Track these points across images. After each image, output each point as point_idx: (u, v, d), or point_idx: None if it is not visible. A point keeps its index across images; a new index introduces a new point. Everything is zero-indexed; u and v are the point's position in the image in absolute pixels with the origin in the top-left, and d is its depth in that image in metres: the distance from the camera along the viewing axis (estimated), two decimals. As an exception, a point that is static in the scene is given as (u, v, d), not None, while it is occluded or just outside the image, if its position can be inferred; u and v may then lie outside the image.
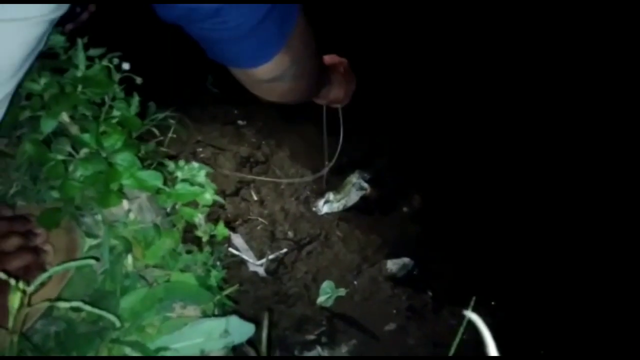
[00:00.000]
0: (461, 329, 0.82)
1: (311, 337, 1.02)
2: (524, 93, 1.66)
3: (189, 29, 0.59)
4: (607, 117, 1.58)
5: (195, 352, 0.68)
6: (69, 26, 0.91)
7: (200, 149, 1.28)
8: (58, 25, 0.80)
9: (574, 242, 1.31)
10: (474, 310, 1.16)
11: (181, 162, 0.75)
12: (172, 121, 0.97)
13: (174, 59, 1.34)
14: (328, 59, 0.98)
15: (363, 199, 1.36)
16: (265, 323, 0.79)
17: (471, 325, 1.10)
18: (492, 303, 1.18)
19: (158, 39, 1.26)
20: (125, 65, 0.74)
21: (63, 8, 0.55)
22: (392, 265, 1.21)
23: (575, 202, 1.40)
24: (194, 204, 0.78)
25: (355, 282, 1.17)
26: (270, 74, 0.66)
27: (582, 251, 1.28)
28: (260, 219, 1.23)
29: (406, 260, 1.22)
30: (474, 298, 0.90)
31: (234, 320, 0.71)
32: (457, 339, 0.80)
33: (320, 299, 1.08)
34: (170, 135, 1.01)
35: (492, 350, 0.29)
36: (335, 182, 1.39)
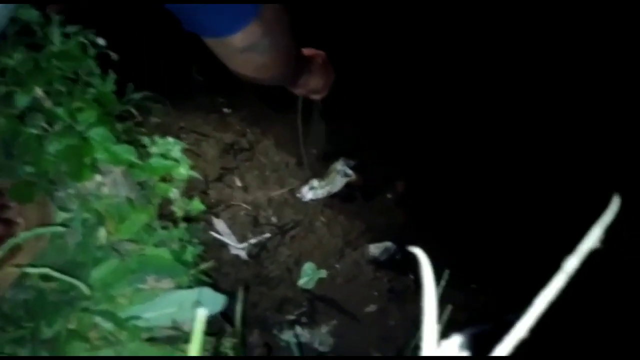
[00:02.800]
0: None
1: (291, 317, 1.03)
2: (505, 80, 1.66)
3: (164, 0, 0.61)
4: (594, 115, 1.58)
5: (167, 322, 0.69)
6: (52, 6, 0.92)
7: (184, 135, 1.28)
8: (40, 7, 0.82)
9: (558, 227, 1.31)
10: (453, 293, 1.16)
11: (156, 137, 0.76)
12: (154, 104, 0.98)
13: (159, 47, 1.35)
14: (306, 51, 1.00)
15: (347, 185, 1.37)
16: (240, 296, 0.79)
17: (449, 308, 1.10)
18: (473, 286, 1.19)
19: (144, 28, 1.27)
20: (101, 41, 0.75)
21: None
22: (375, 249, 1.22)
23: (556, 186, 1.41)
24: (170, 180, 0.79)
25: (338, 266, 1.17)
26: (243, 43, 0.68)
27: (566, 236, 1.28)
28: (243, 205, 1.23)
29: (389, 244, 1.23)
30: (447, 271, 0.91)
31: (207, 292, 0.72)
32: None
33: (302, 281, 1.09)
34: (152, 119, 1.02)
35: (430, 292, 0.28)
36: (319, 169, 1.40)
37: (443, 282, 0.93)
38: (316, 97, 1.21)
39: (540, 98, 1.63)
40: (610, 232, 0.27)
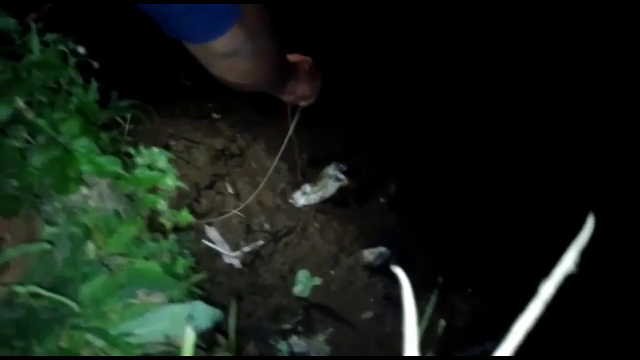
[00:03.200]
0: (428, 315, 0.82)
1: (287, 326, 1.01)
2: (499, 80, 1.66)
3: (143, 6, 0.59)
4: (589, 115, 1.58)
5: (159, 337, 0.67)
6: (32, 15, 0.90)
7: (174, 142, 1.26)
8: (20, 16, 0.80)
9: (553, 228, 1.31)
10: (449, 297, 1.15)
11: (141, 148, 0.74)
12: (140, 112, 0.96)
13: (147, 53, 1.32)
14: (292, 57, 0.99)
15: (340, 190, 1.36)
16: (233, 308, 0.78)
17: (446, 311, 1.09)
18: (469, 290, 1.18)
19: (130, 33, 1.24)
20: (81, 49, 0.73)
21: None
22: (369, 254, 1.21)
23: (550, 188, 1.41)
24: (157, 191, 0.77)
25: (332, 272, 1.16)
26: (225, 48, 0.66)
27: (560, 238, 1.28)
28: (235, 212, 1.22)
29: (383, 249, 1.22)
30: (440, 279, 0.90)
31: (199, 305, 0.70)
32: (424, 325, 0.80)
33: (296, 289, 1.07)
34: (137, 126, 0.99)
35: (409, 305, 0.28)
36: (312, 174, 1.38)
37: (436, 290, 0.92)
38: (304, 103, 1.18)
39: (530, 102, 1.63)
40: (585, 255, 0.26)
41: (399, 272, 0.33)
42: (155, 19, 0.63)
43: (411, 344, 0.28)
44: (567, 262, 0.27)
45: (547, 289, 0.27)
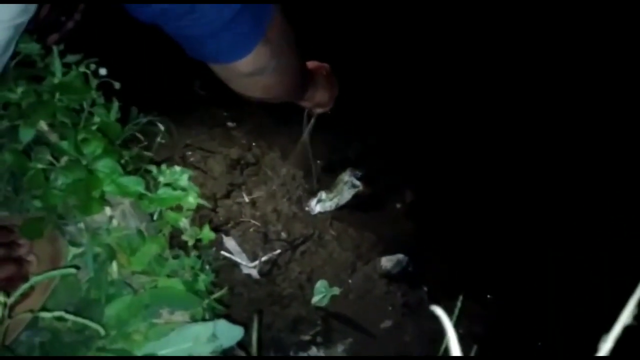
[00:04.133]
0: (451, 324, 0.82)
1: (306, 337, 1.01)
2: (515, 86, 1.65)
3: (165, 28, 0.60)
4: (599, 116, 1.56)
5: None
6: (54, 36, 0.90)
7: (190, 153, 1.27)
8: (41, 37, 0.80)
9: (570, 235, 1.29)
10: (468, 304, 1.15)
11: (163, 167, 0.75)
12: (159, 126, 0.96)
13: (160, 64, 1.33)
14: (310, 64, 0.99)
15: (356, 196, 1.35)
16: (255, 325, 0.78)
17: (465, 319, 1.09)
18: (488, 296, 1.17)
19: (144, 45, 1.25)
20: (102, 71, 0.73)
21: (29, 12, 0.55)
22: (387, 262, 1.20)
23: (569, 195, 1.39)
24: (179, 208, 0.78)
25: (350, 281, 1.16)
26: (249, 68, 0.66)
27: (577, 245, 1.26)
28: (252, 221, 1.22)
29: (401, 256, 1.21)
30: (460, 296, 0.89)
31: (222, 324, 0.71)
32: (449, 335, 0.79)
33: (315, 299, 1.07)
34: (157, 140, 1.00)
35: (455, 346, 0.28)
36: (327, 180, 1.38)
37: (459, 299, 0.91)
38: (321, 110, 1.19)
39: (554, 112, 1.61)
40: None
41: (439, 312, 0.34)
42: (177, 40, 0.63)
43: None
44: (627, 315, 0.27)
45: (607, 345, 0.26)
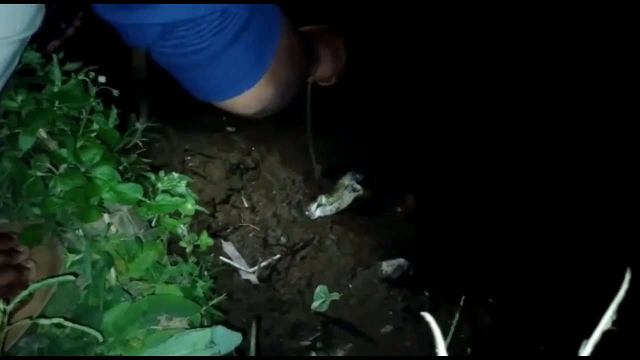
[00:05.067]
0: (452, 329, 0.82)
1: (306, 343, 1.01)
2: (517, 94, 1.65)
3: (152, 55, 0.53)
4: (604, 116, 1.56)
5: (181, 365, 0.68)
6: (54, 43, 0.90)
7: (189, 158, 1.27)
8: (41, 44, 0.81)
9: (570, 238, 1.29)
10: (470, 308, 1.14)
11: (161, 174, 0.75)
12: (157, 132, 0.97)
13: (158, 71, 1.33)
14: (319, 30, 0.86)
15: (356, 201, 1.35)
16: (253, 331, 0.78)
17: (466, 323, 1.09)
18: (490, 300, 1.17)
19: (143, 52, 1.25)
20: (102, 79, 0.74)
21: (35, 26, 0.55)
22: (387, 266, 1.20)
23: (571, 198, 1.38)
24: (177, 215, 0.78)
25: (350, 286, 1.16)
26: (247, 108, 0.58)
27: (579, 248, 1.26)
28: (251, 226, 1.22)
29: (401, 261, 1.21)
30: (463, 298, 0.89)
31: (220, 330, 0.71)
32: (449, 339, 0.79)
33: (315, 304, 1.07)
34: (156, 146, 1.01)
35: (442, 351, 0.29)
36: (327, 185, 1.38)
37: (460, 304, 0.91)
38: (325, 84, 1.01)
39: (553, 118, 1.60)
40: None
41: (429, 319, 0.34)
42: (168, 71, 0.56)
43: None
44: (606, 320, 0.27)
45: (587, 350, 0.27)
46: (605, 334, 0.28)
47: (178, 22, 0.46)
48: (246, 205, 1.27)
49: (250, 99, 0.56)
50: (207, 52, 0.49)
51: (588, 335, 0.27)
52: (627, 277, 0.28)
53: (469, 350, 1.06)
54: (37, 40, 0.79)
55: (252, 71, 0.53)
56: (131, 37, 0.50)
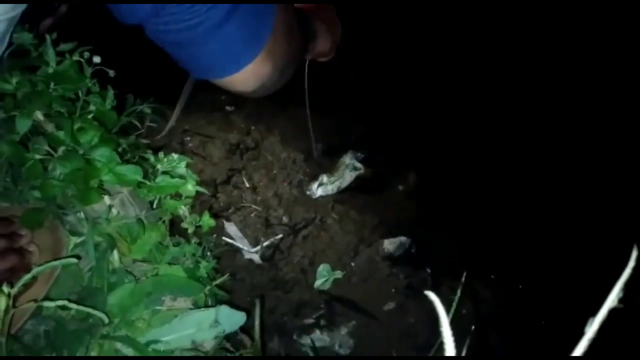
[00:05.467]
0: (454, 305, 0.82)
1: (310, 321, 1.02)
2: (518, 74, 1.62)
3: (147, 32, 0.52)
4: (602, 114, 1.54)
5: (186, 344, 0.69)
6: (47, 21, 0.88)
7: (188, 138, 1.26)
8: (34, 23, 0.79)
9: (576, 214, 1.29)
10: (472, 284, 1.15)
11: (161, 155, 0.74)
12: (153, 113, 0.95)
13: (155, 50, 1.31)
14: (311, 5, 0.85)
15: (357, 179, 1.35)
16: (257, 310, 0.79)
17: (468, 300, 1.09)
18: (492, 277, 1.17)
19: (138, 31, 1.23)
20: (96, 59, 0.72)
21: (21, 5, 0.53)
22: (389, 244, 1.20)
23: (578, 172, 1.37)
24: (178, 196, 0.78)
25: (353, 264, 1.16)
26: (246, 85, 0.57)
27: (585, 225, 1.26)
28: (253, 206, 1.22)
29: (403, 239, 1.21)
30: (464, 274, 0.89)
31: (224, 310, 0.71)
32: (451, 315, 0.80)
33: (318, 283, 1.08)
34: (152, 125, 0.99)
35: (446, 329, 0.28)
36: (328, 163, 1.37)
37: (462, 280, 0.91)
38: (324, 59, 1.01)
39: (552, 99, 1.58)
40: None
41: (433, 298, 0.34)
42: (164, 49, 0.55)
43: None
44: (612, 298, 0.27)
45: (593, 328, 0.27)
46: (612, 312, 0.27)
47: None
48: (247, 185, 1.27)
49: (248, 76, 0.55)
50: (202, 27, 0.48)
51: (594, 312, 0.27)
52: (634, 254, 0.28)
53: (472, 327, 1.07)
54: (30, 20, 0.77)
55: (250, 47, 0.52)
56: (123, 14, 0.49)
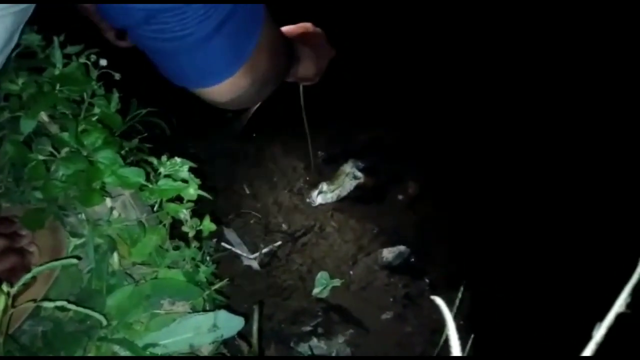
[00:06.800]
0: (452, 314, 0.82)
1: (307, 328, 1.02)
2: (518, 79, 1.63)
3: (131, 36, 0.51)
4: (602, 114, 1.55)
5: (184, 348, 0.68)
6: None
7: (190, 144, 1.27)
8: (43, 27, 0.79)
9: (569, 227, 1.29)
10: (470, 294, 1.14)
11: (163, 158, 0.74)
12: (156, 118, 0.96)
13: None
14: (299, 29, 0.84)
15: (357, 188, 1.35)
16: (255, 316, 0.79)
17: (465, 309, 1.08)
18: (489, 287, 1.17)
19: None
20: (103, 62, 0.73)
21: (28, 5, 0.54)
22: (388, 253, 1.20)
23: (569, 186, 1.38)
24: (179, 200, 0.78)
25: (351, 272, 1.16)
26: (221, 96, 0.56)
27: (591, 232, 1.25)
28: (253, 213, 1.22)
29: (402, 248, 1.21)
30: (462, 286, 0.90)
31: (223, 314, 0.71)
32: (448, 325, 0.80)
33: (316, 290, 1.08)
34: (157, 131, 1.00)
35: (454, 337, 0.28)
36: (328, 172, 1.38)
37: (460, 290, 0.92)
38: (308, 83, 1.00)
39: (553, 106, 1.59)
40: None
41: (439, 302, 0.34)
42: (147, 54, 0.54)
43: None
44: (620, 304, 0.27)
45: (600, 333, 0.27)
46: (619, 317, 0.28)
47: (164, 9, 0.45)
48: (247, 191, 1.27)
49: (225, 88, 0.55)
50: (189, 39, 0.48)
51: (601, 318, 0.27)
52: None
53: (472, 336, 1.07)
54: (39, 24, 0.78)
55: (233, 61, 0.52)
56: (114, 18, 0.48)
